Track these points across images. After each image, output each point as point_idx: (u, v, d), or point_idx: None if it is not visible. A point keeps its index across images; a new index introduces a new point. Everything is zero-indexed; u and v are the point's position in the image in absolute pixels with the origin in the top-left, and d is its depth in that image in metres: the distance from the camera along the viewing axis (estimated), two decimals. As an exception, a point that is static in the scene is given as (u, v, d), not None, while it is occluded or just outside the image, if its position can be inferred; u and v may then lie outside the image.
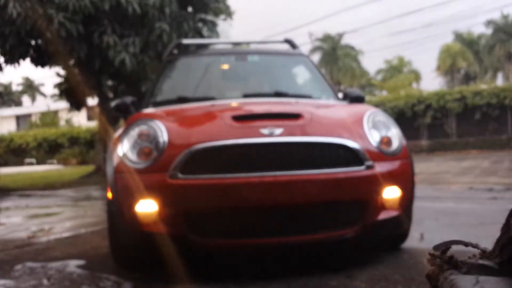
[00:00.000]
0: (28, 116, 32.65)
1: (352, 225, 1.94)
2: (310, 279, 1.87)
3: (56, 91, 10.98)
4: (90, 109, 12.13)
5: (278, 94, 2.65)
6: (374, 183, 1.94)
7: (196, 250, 2.09)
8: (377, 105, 14.44)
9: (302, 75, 3.19)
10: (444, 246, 0.34)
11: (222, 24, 9.92)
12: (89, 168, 13.20)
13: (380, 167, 1.95)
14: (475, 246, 0.34)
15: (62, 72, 10.38)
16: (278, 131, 1.91)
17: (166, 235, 1.89)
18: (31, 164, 22.29)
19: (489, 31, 28.25)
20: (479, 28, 30.18)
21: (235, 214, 1.89)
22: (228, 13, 10.37)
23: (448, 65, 28.59)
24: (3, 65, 8.48)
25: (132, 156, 1.96)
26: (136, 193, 1.91)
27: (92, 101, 11.05)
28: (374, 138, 2.02)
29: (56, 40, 7.14)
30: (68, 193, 7.16)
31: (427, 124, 15.69)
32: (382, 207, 1.97)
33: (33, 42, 8.16)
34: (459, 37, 29.61)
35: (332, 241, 1.97)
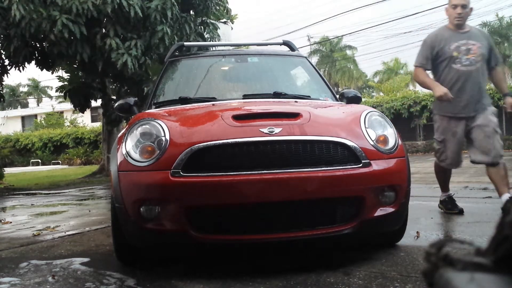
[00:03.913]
0: (33, 116, 32.87)
1: (349, 221, 1.98)
2: (308, 276, 1.90)
3: (58, 94, 11.06)
4: (94, 110, 12.22)
5: (278, 95, 2.69)
6: (370, 181, 1.97)
7: (197, 247, 2.13)
8: (374, 106, 14.54)
9: (301, 76, 3.23)
10: (440, 244, 0.36)
11: (223, 27, 9.95)
12: (93, 167, 13.28)
13: (377, 165, 1.99)
14: (471, 244, 0.36)
15: (64, 75, 10.46)
16: (278, 130, 1.94)
17: (169, 232, 1.93)
18: (36, 164, 22.44)
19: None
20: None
21: (235, 211, 1.93)
22: (229, 16, 10.40)
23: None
24: (8, 67, 8.57)
25: (135, 154, 2.00)
26: (139, 190, 1.96)
27: (96, 103, 11.12)
28: (370, 136, 2.06)
29: (59, 42, 7.21)
30: (73, 192, 7.23)
31: (423, 124, 15.73)
32: (379, 204, 2.01)
33: (37, 45, 8.24)
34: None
35: (330, 237, 2.01)
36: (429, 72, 3.19)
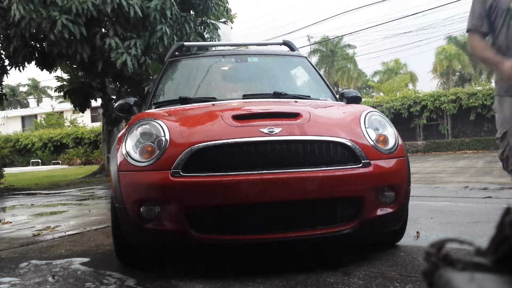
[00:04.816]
0: (33, 116, 32.89)
1: (349, 221, 1.98)
2: (308, 276, 1.90)
3: (57, 94, 11.08)
4: (94, 110, 12.25)
5: (277, 95, 2.70)
6: (370, 180, 1.97)
7: (197, 247, 2.13)
8: (374, 106, 14.57)
9: (300, 76, 3.23)
10: (440, 244, 0.36)
11: (223, 27, 9.95)
12: (93, 167, 13.28)
13: (377, 165, 1.99)
14: (471, 243, 0.36)
15: (63, 75, 10.47)
16: (277, 130, 1.95)
17: (169, 232, 1.93)
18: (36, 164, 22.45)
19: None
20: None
21: (235, 211, 1.93)
22: (229, 16, 10.41)
23: (444, 67, 28.40)
24: (8, 68, 8.57)
25: (135, 154, 2.00)
26: (139, 190, 1.96)
27: (96, 103, 11.12)
28: (370, 136, 2.06)
29: (59, 42, 7.21)
30: (73, 192, 7.23)
31: (423, 124, 15.77)
32: (379, 204, 2.01)
33: (37, 45, 8.24)
34: (452, 40, 29.36)
35: (330, 237, 2.01)
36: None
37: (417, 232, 2.65)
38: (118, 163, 2.06)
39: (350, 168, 1.94)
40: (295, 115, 2.09)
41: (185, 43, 3.53)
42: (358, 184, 1.96)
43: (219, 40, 9.00)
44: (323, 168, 1.90)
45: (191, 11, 8.65)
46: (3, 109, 31.38)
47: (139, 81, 8.95)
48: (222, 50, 5.26)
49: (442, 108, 15.30)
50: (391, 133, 2.15)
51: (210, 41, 8.67)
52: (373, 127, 2.11)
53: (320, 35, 33.46)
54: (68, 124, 26.79)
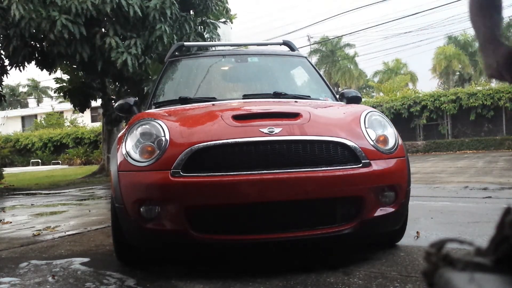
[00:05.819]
0: (33, 116, 32.90)
1: (349, 221, 1.98)
2: (308, 276, 1.90)
3: (57, 94, 11.09)
4: (94, 110, 12.26)
5: (277, 95, 2.70)
6: (370, 181, 1.97)
7: (197, 247, 2.13)
8: (374, 106, 14.60)
9: (301, 76, 3.23)
10: (440, 244, 0.36)
11: (222, 27, 9.95)
12: (93, 167, 13.28)
13: (377, 165, 1.99)
14: (471, 243, 0.36)
15: (62, 77, 10.49)
16: (277, 130, 1.95)
17: (169, 232, 1.93)
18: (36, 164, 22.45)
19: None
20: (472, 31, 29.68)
21: (235, 211, 1.93)
22: (228, 16, 10.41)
23: (443, 67, 28.42)
24: (8, 68, 8.57)
25: (135, 154, 2.00)
26: (139, 190, 1.96)
27: (96, 103, 11.13)
28: (370, 136, 2.06)
29: (59, 42, 7.21)
30: (73, 192, 7.23)
31: (423, 124, 15.80)
32: (379, 204, 2.01)
33: (37, 45, 8.24)
34: (452, 39, 29.40)
35: (330, 237, 2.01)
36: None
37: (417, 232, 2.65)
38: (118, 163, 2.06)
39: (350, 168, 1.94)
40: (295, 115, 2.09)
41: (185, 43, 3.53)
42: (358, 184, 1.96)
43: (219, 40, 8.99)
44: (323, 168, 1.91)
45: (191, 10, 8.66)
46: (3, 109, 31.41)
47: (139, 81, 8.96)
48: (222, 50, 5.26)
49: (442, 108, 15.33)
50: (391, 133, 2.15)
51: (210, 41, 8.67)
52: (373, 127, 2.11)
53: (320, 35, 33.56)
54: (68, 124, 26.79)
